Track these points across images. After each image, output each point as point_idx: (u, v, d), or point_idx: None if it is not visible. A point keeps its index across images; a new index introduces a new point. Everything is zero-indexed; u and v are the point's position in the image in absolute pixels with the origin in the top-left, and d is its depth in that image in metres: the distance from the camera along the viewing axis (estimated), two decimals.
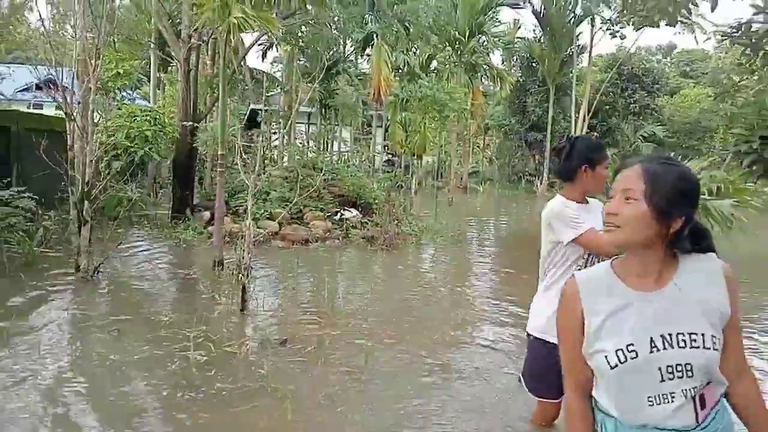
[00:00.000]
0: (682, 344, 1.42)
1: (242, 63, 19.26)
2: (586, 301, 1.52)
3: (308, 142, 24.35)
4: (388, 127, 25.19)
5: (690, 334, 1.42)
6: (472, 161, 33.39)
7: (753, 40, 6.26)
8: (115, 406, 3.71)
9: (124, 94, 13.92)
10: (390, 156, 29.20)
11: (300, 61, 21.03)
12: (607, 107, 28.84)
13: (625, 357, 1.43)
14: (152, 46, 16.79)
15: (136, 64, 14.45)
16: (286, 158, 19.24)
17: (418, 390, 4.16)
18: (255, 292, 6.56)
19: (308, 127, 27.68)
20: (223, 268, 7.70)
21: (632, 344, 1.43)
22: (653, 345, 1.43)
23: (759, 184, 5.87)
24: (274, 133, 25.07)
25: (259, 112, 21.92)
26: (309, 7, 11.13)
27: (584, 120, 24.36)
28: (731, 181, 8.99)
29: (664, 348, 1.42)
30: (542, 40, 25.76)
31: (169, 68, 20.02)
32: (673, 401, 1.42)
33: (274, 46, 22.21)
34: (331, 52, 19.72)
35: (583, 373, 1.54)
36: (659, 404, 1.42)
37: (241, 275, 6.01)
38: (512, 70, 31.18)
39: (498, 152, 33.31)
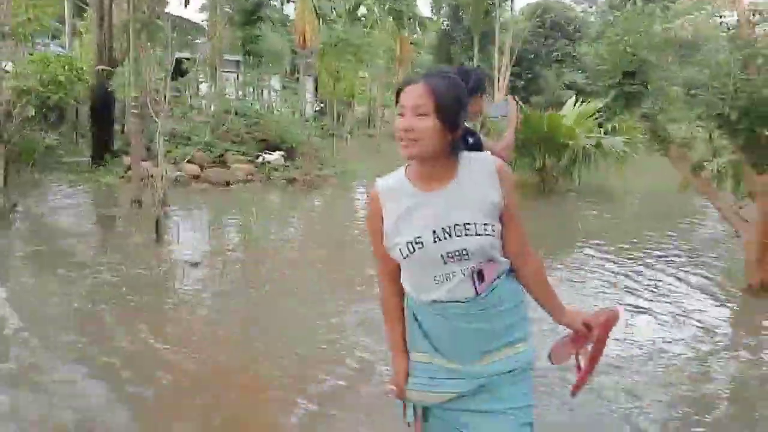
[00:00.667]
0: (458, 233, 1.64)
1: (163, 10, 18.82)
2: (385, 204, 1.73)
3: (236, 91, 24.15)
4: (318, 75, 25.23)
5: (465, 224, 1.64)
6: None
7: None
8: (35, 314, 4.16)
9: (39, 42, 13.55)
10: (321, 104, 29.29)
11: (224, 8, 20.67)
12: (531, 56, 29.68)
13: (414, 248, 1.65)
14: None
15: (50, 11, 14.01)
16: (212, 106, 19.16)
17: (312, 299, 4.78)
18: (172, 227, 6.95)
19: (237, 75, 27.34)
20: (141, 206, 8.02)
21: (420, 236, 1.65)
22: (435, 236, 1.65)
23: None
24: (202, 81, 24.69)
25: (183, 60, 21.54)
26: None
27: (507, 68, 25.05)
28: (624, 120, 9.93)
29: (444, 238, 1.64)
30: None
31: (85, 15, 19.29)
32: (453, 278, 1.66)
33: None
34: None
35: (392, 263, 1.76)
36: (443, 282, 1.67)
37: (155, 209, 6.41)
38: (441, 19, 31.45)
39: None
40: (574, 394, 1.90)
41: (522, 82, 29.48)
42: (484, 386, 1.72)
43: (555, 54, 30.49)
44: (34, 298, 4.48)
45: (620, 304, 4.71)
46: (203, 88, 24.90)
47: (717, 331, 4.26)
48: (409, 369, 1.79)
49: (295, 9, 23.77)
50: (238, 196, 9.82)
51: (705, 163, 5.39)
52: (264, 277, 5.40)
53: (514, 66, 28.33)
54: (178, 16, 24.87)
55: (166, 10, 13.72)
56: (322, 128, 18.11)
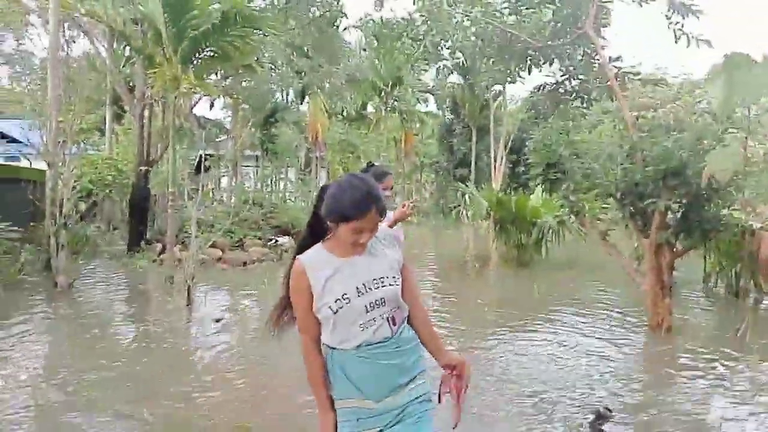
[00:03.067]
0: (375, 286, 2.08)
1: (190, 113, 21.34)
2: (310, 274, 2.08)
3: (255, 183, 26.43)
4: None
5: (380, 278, 2.09)
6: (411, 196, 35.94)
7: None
8: (95, 357, 5.73)
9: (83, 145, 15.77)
10: None
11: (243, 110, 23.21)
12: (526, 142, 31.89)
13: (342, 304, 2.04)
14: (107, 102, 18.75)
15: (93, 118, 16.40)
16: (233, 198, 21.21)
17: None
18: (199, 297, 8.55)
19: (256, 169, 29.76)
20: (173, 283, 9.66)
21: (346, 293, 2.05)
22: (359, 291, 2.06)
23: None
24: (224, 175, 27.07)
25: (207, 157, 23.93)
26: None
27: (502, 156, 27.12)
28: (546, 201, 11.45)
29: (366, 292, 2.07)
30: (464, 87, 28.68)
31: (123, 120, 21.88)
32: (375, 323, 2.07)
33: (218, 99, 24.33)
34: (270, 103, 21.99)
35: (314, 328, 2.13)
36: (367, 328, 2.07)
37: (187, 280, 8.05)
38: (444, 114, 34.07)
39: (433, 188, 36.04)
40: (454, 426, 2.25)
41: (522, 168, 31.44)
42: (399, 416, 2.12)
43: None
44: (101, 341, 6.07)
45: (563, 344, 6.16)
46: (224, 181, 27.31)
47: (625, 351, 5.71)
48: (338, 419, 2.15)
49: (308, 109, 26.38)
50: (253, 273, 11.46)
51: (608, 231, 6.96)
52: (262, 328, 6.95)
53: (513, 153, 30.44)
54: (202, 116, 27.66)
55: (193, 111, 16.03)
56: None
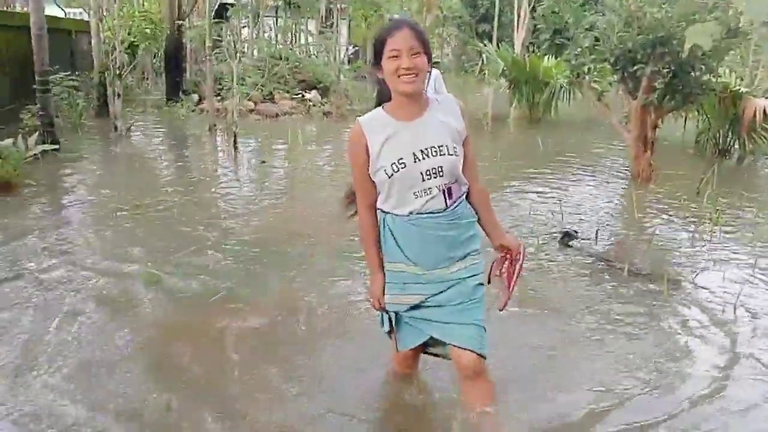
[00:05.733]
0: (434, 154, 2.03)
1: None
2: (368, 135, 2.07)
3: (276, 35, 26.63)
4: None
5: (438, 146, 2.04)
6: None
7: None
8: (145, 179, 7.07)
9: None
10: (356, 47, 31.49)
11: None
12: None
13: (398, 168, 2.02)
14: None
15: None
16: (255, 50, 21.71)
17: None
18: (241, 143, 9.77)
19: (276, 20, 29.69)
20: (216, 131, 10.85)
21: (402, 158, 2.03)
22: (415, 157, 2.03)
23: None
24: (244, 26, 27.21)
25: (228, 6, 24.01)
26: None
27: (526, 13, 26.71)
28: (558, 63, 12.00)
29: (423, 159, 2.03)
30: None
31: None
32: (430, 193, 2.06)
33: None
34: None
35: (370, 190, 2.13)
36: (421, 197, 2.06)
37: (233, 127, 9.22)
38: None
39: (456, 43, 35.74)
40: (501, 309, 2.32)
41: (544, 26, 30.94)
42: (445, 291, 2.12)
43: None
44: (170, 175, 7.42)
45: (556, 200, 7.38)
46: (245, 32, 27.52)
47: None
48: (386, 282, 2.20)
49: None
50: (285, 124, 12.60)
51: (604, 93, 7.89)
52: (306, 167, 8.22)
53: (533, 11, 29.80)
54: None
55: None
56: (355, 71, 20.57)
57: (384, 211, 2.14)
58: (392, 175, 2.03)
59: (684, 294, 4.16)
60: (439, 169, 2.04)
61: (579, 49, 7.78)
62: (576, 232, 5.37)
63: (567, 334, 3.47)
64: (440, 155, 2.04)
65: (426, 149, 2.03)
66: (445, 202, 2.08)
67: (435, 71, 3.73)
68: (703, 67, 7.06)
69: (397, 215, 2.09)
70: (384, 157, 2.04)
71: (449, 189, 2.08)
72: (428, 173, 2.03)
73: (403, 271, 2.14)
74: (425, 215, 2.06)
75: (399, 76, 1.96)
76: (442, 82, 3.99)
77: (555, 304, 3.90)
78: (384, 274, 2.20)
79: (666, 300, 3.99)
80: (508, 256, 2.27)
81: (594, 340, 3.44)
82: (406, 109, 2.06)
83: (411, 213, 2.07)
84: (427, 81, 2.06)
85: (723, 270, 4.58)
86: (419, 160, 2.02)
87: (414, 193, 2.05)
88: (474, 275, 2.17)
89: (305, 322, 3.56)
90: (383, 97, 2.15)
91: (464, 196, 2.17)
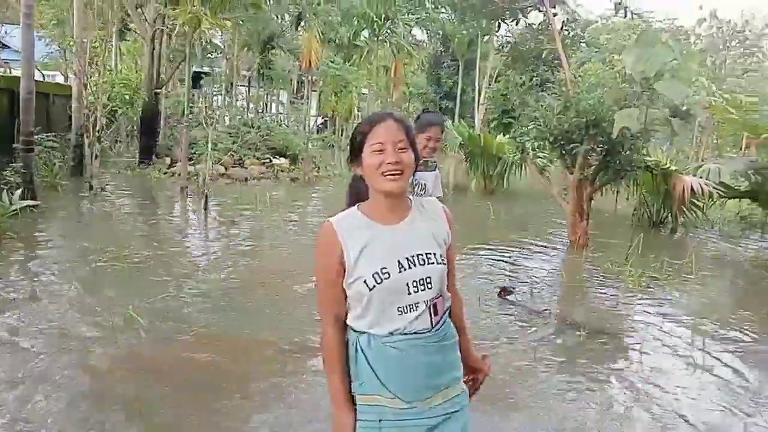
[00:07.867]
0: (421, 262, 1.74)
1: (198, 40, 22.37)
2: (344, 240, 1.73)
3: (248, 104, 27.70)
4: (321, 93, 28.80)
5: (426, 253, 1.75)
6: None
7: None
8: (120, 234, 7.56)
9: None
10: (324, 119, 32.81)
11: (241, 34, 24.19)
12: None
13: (380, 279, 1.69)
14: (114, 25, 19.70)
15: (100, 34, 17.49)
16: (227, 117, 22.59)
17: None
18: (211, 204, 10.33)
19: (248, 89, 30.89)
20: (188, 193, 11.40)
21: (385, 267, 1.70)
22: (401, 265, 1.72)
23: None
24: (216, 95, 28.29)
25: (202, 75, 25.05)
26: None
27: (484, 91, 28.56)
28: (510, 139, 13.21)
29: (409, 267, 1.72)
30: (454, 20, 29.66)
31: (127, 38, 22.82)
32: (416, 309, 1.72)
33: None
34: (267, 30, 23.03)
35: (340, 300, 1.77)
36: (406, 313, 1.72)
37: (203, 189, 9.79)
38: (432, 45, 35.01)
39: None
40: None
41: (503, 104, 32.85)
42: (430, 428, 1.75)
43: (536, 79, 33.98)
44: (133, 227, 7.91)
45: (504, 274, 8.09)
46: (218, 99, 28.54)
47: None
48: (357, 417, 1.76)
49: (303, 36, 27.29)
50: (254, 187, 13.22)
51: (546, 168, 8.78)
52: (273, 226, 8.80)
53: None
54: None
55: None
56: (323, 140, 21.57)
57: (357, 331, 1.77)
58: (374, 287, 1.70)
59: (600, 340, 4.83)
60: (428, 281, 1.74)
61: (523, 129, 8.70)
62: (513, 288, 6.03)
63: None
64: (429, 264, 1.75)
65: (412, 257, 1.74)
66: (431, 320, 1.76)
67: (436, 172, 3.78)
68: (632, 146, 8.00)
69: (374, 335, 1.73)
70: (363, 267, 1.71)
71: (435, 305, 1.77)
72: (415, 285, 1.73)
73: (380, 405, 1.74)
74: (409, 336, 1.73)
75: (383, 173, 1.71)
76: (439, 184, 3.67)
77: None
78: (354, 413, 1.77)
79: (583, 342, 4.66)
80: (474, 376, 2.03)
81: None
82: (387, 211, 1.78)
83: (392, 333, 1.72)
84: (413, 183, 1.92)
85: (633, 321, 5.30)
86: (404, 269, 1.72)
87: (398, 309, 1.73)
88: (459, 410, 1.81)
89: (262, 360, 4.09)
90: (359, 196, 1.85)
91: (448, 312, 1.85)
